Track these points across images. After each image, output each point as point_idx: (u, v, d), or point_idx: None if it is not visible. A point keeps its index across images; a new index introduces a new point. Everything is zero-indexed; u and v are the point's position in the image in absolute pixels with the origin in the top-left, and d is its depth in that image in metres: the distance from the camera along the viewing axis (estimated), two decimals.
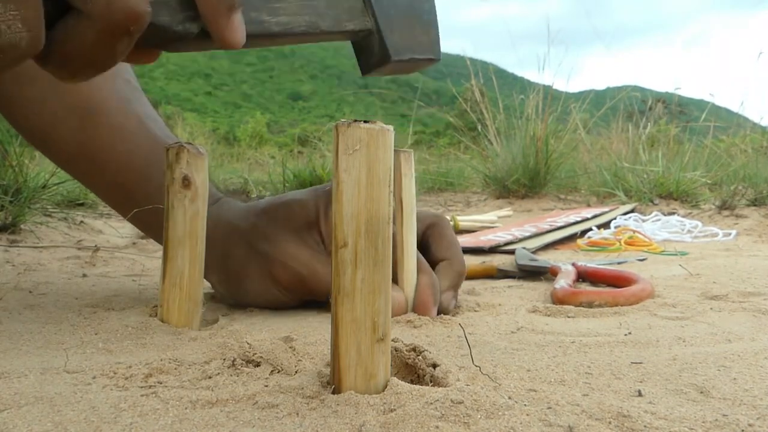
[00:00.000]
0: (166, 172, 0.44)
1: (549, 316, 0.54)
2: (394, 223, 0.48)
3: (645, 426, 0.28)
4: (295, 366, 0.36)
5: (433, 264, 0.54)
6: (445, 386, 0.31)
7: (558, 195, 2.08)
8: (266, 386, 0.32)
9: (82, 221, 1.21)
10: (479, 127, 2.41)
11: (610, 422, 0.28)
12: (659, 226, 1.28)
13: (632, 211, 1.54)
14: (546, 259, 0.84)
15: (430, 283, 0.51)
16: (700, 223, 1.26)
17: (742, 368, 0.37)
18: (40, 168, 1.30)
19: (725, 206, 1.51)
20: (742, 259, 0.89)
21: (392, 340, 0.34)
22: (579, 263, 0.74)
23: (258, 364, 0.35)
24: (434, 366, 0.33)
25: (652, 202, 1.71)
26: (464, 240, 1.14)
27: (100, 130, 0.57)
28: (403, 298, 0.50)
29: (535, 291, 0.66)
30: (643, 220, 1.35)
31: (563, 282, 0.63)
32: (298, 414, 0.29)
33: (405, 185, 0.51)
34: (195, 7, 0.34)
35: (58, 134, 0.57)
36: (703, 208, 1.61)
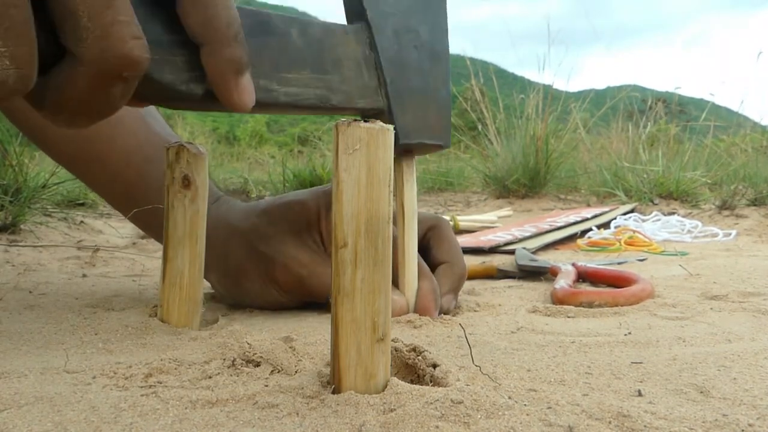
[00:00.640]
0: (166, 172, 0.44)
1: (549, 316, 0.54)
2: (395, 226, 0.48)
3: (645, 426, 0.28)
4: (295, 366, 0.36)
5: (434, 266, 0.54)
6: (445, 386, 0.31)
7: (558, 195, 2.08)
8: (266, 386, 0.32)
9: (82, 221, 1.21)
10: (479, 127, 2.41)
11: (610, 422, 0.28)
12: (659, 226, 1.28)
13: (632, 211, 1.54)
14: (546, 259, 0.84)
15: (431, 288, 0.51)
16: (700, 223, 1.26)
17: (742, 368, 0.37)
18: (40, 168, 1.30)
19: (725, 206, 1.51)
20: (742, 259, 0.89)
21: (392, 340, 0.34)
22: (579, 263, 0.74)
23: (258, 364, 0.35)
24: (434, 366, 0.33)
25: (652, 202, 1.71)
26: (464, 240, 1.14)
27: (100, 127, 0.57)
28: (404, 301, 0.50)
29: (535, 291, 0.66)
30: (643, 220, 1.35)
31: (563, 282, 0.63)
32: (298, 414, 0.29)
33: (407, 190, 0.51)
34: (201, 68, 0.33)
35: (57, 133, 0.57)
36: (703, 208, 1.61)
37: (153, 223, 0.54)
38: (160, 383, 0.33)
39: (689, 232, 1.22)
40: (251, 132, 11.15)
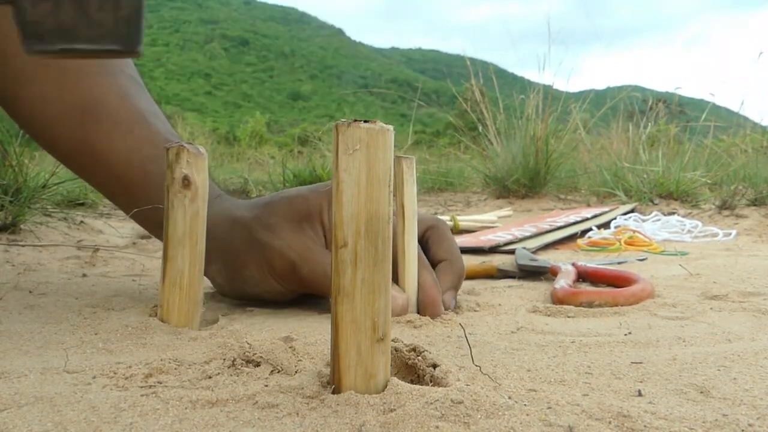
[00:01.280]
0: (166, 172, 0.44)
1: (549, 316, 0.54)
2: (395, 227, 0.48)
3: (645, 426, 0.28)
4: (295, 366, 0.36)
5: (433, 265, 0.55)
6: (445, 386, 0.31)
7: (558, 195, 2.08)
8: (266, 386, 0.32)
9: (82, 221, 1.21)
10: (479, 127, 2.40)
11: (610, 422, 0.28)
12: (659, 226, 1.28)
13: (632, 211, 1.54)
14: (546, 259, 0.84)
15: (433, 280, 0.51)
16: (700, 223, 1.26)
17: (742, 368, 0.37)
18: (40, 168, 1.29)
19: (725, 206, 1.51)
20: (742, 259, 0.89)
21: (392, 340, 0.34)
22: (579, 263, 0.74)
23: (258, 364, 0.35)
24: (434, 366, 0.33)
25: (652, 202, 1.70)
26: (464, 240, 1.14)
27: (101, 125, 0.57)
28: (404, 298, 0.50)
29: (535, 291, 0.66)
30: (643, 220, 1.35)
31: (563, 282, 0.63)
32: (298, 414, 0.29)
33: (406, 191, 0.51)
34: None
35: (59, 132, 0.57)
36: (703, 208, 1.61)
37: (151, 218, 0.54)
38: (160, 383, 0.33)
39: (689, 232, 1.22)
40: (251, 132, 11.15)
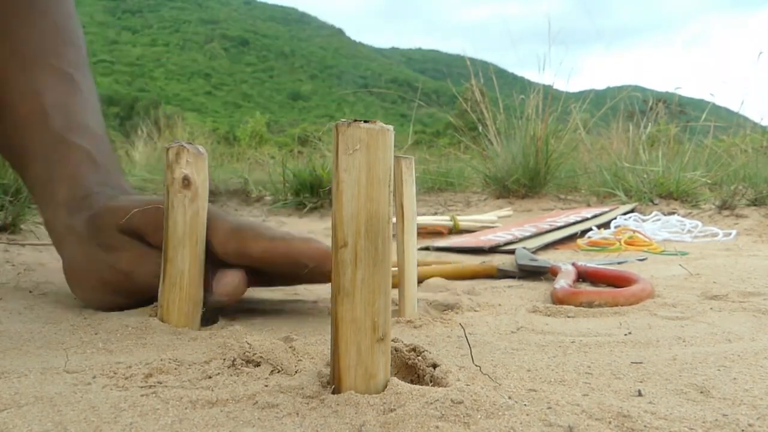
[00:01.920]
0: (166, 172, 0.44)
1: (549, 316, 0.54)
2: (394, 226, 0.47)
3: (645, 426, 0.28)
4: (295, 366, 0.36)
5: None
6: (445, 386, 0.31)
7: (558, 195, 2.08)
8: (266, 386, 0.32)
9: None
10: (479, 127, 2.40)
11: (610, 422, 0.28)
12: (659, 226, 1.28)
13: (632, 211, 1.54)
14: (546, 259, 0.84)
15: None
16: (700, 223, 1.26)
17: (742, 368, 0.37)
18: None
19: (725, 206, 1.51)
20: (742, 259, 0.89)
21: (392, 340, 0.34)
22: (579, 263, 0.74)
23: (258, 364, 0.35)
24: (434, 366, 0.33)
25: (652, 202, 1.70)
26: (464, 240, 1.14)
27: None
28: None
29: (535, 291, 0.66)
30: (643, 220, 1.35)
31: (563, 282, 0.63)
32: (298, 414, 0.29)
33: (406, 191, 0.51)
34: None
35: None
36: (703, 208, 1.61)
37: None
38: (160, 383, 0.33)
39: (689, 231, 1.22)
40: (251, 132, 11.15)
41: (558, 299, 0.59)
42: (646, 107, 2.89)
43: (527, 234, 1.15)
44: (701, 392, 0.33)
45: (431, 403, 0.28)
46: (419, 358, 0.34)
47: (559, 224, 1.27)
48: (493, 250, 1.03)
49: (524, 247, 0.96)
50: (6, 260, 0.79)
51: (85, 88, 0.61)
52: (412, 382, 0.33)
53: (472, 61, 2.60)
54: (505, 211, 1.70)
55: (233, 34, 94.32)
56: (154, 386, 0.32)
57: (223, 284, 0.46)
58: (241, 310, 0.54)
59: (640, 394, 0.33)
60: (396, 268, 0.52)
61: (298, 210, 1.93)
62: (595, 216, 1.40)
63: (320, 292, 0.64)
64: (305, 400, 0.30)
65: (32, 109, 0.57)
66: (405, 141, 2.70)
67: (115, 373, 0.34)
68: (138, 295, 0.49)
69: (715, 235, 1.19)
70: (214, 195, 2.07)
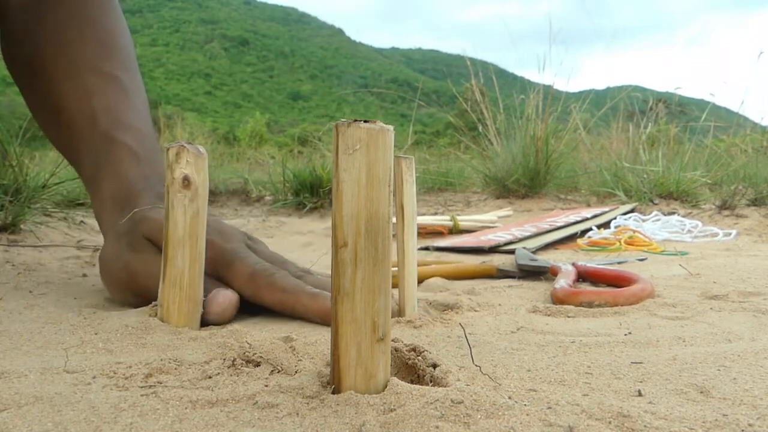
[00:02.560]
0: (165, 172, 0.44)
1: (549, 316, 0.54)
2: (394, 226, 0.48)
3: (645, 426, 0.28)
4: (295, 366, 0.36)
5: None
6: (445, 386, 0.31)
7: (558, 195, 2.08)
8: (266, 386, 0.32)
9: (82, 221, 1.21)
10: (479, 127, 2.40)
11: (610, 422, 0.28)
12: (659, 226, 1.28)
13: (632, 211, 1.54)
14: (546, 259, 0.84)
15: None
16: (700, 223, 1.26)
17: (742, 368, 0.37)
18: (40, 168, 1.29)
19: (725, 206, 1.51)
20: (742, 259, 0.89)
21: (392, 340, 0.34)
22: (579, 263, 0.74)
23: (258, 364, 0.35)
24: (434, 366, 0.33)
25: (652, 202, 1.70)
26: (464, 240, 1.14)
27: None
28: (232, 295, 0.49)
29: (535, 291, 0.66)
30: (643, 220, 1.35)
31: (563, 282, 0.63)
32: (298, 414, 0.29)
33: (406, 191, 0.51)
34: None
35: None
36: (703, 208, 1.61)
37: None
38: (160, 383, 0.33)
39: (689, 231, 1.22)
40: (251, 132, 11.14)
41: (558, 299, 0.59)
42: (646, 107, 2.89)
43: (527, 234, 1.15)
44: (701, 392, 0.33)
45: (431, 403, 0.28)
46: (419, 358, 0.34)
47: (559, 224, 1.27)
48: (493, 250, 1.03)
49: (524, 247, 0.96)
50: (6, 260, 0.79)
51: (132, 88, 0.66)
52: (412, 382, 0.33)
53: (472, 61, 2.60)
54: (505, 211, 1.70)
55: (233, 34, 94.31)
56: (154, 386, 0.32)
57: (216, 304, 0.48)
58: (241, 310, 0.54)
59: (640, 394, 0.33)
60: (396, 268, 0.52)
61: (298, 210, 1.93)
62: (595, 216, 1.40)
63: None
64: (305, 400, 0.30)
65: (82, 111, 0.63)
66: (405, 141, 2.70)
67: (115, 373, 0.34)
68: (140, 297, 0.51)
69: (715, 235, 1.19)
70: (214, 195, 2.07)
